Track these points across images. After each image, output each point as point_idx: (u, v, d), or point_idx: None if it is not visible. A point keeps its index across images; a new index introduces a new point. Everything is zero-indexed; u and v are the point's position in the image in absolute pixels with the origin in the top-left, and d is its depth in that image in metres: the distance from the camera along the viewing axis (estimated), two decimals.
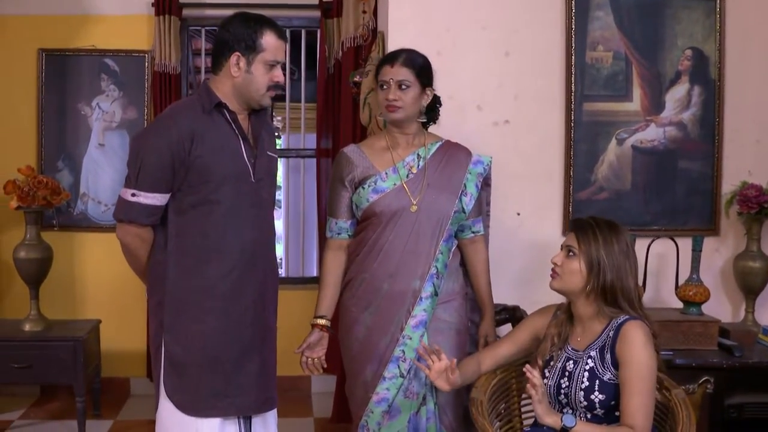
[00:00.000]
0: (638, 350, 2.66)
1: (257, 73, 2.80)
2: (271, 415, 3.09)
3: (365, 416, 3.15)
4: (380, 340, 3.12)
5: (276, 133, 3.47)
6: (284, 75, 2.92)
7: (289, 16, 5.51)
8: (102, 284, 5.34)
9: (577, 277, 2.78)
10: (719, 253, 4.18)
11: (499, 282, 4.01)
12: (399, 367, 3.11)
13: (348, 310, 3.21)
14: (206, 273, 2.82)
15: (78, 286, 5.35)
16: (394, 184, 3.13)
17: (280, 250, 5.94)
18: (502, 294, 3.95)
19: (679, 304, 3.87)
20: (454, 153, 3.25)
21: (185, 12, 5.25)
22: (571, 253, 2.81)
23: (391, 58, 3.16)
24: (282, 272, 6.33)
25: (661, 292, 4.08)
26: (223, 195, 2.79)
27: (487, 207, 3.50)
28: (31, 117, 5.26)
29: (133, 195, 2.75)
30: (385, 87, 3.14)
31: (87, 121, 5.29)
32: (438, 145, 3.25)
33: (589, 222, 2.83)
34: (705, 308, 3.85)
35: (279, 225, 7.20)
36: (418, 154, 3.20)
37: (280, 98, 6.18)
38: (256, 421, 3.01)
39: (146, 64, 5.28)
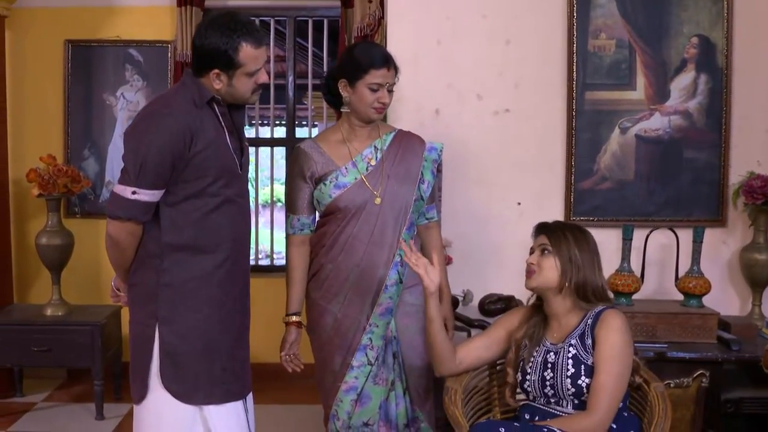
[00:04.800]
0: (613, 332, 2.73)
1: (239, 84, 2.77)
2: (251, 396, 3.12)
3: (335, 405, 3.18)
4: (348, 329, 3.14)
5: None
6: (268, 74, 2.87)
7: (311, 6, 5.56)
8: None
9: (554, 272, 2.82)
10: (726, 245, 4.08)
11: (499, 272, 4.00)
12: (367, 355, 3.13)
13: (315, 303, 3.23)
14: (203, 263, 2.82)
15: (103, 272, 5.43)
16: (355, 179, 3.14)
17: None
18: (502, 284, 3.93)
19: (681, 297, 3.79)
20: (408, 142, 3.26)
21: (207, 3, 5.30)
22: (545, 251, 2.85)
23: (386, 62, 3.12)
24: None
25: (662, 284, 4.01)
26: (219, 188, 2.80)
27: (439, 193, 3.56)
28: (58, 107, 5.39)
29: (134, 193, 2.69)
30: (377, 89, 3.10)
31: (112, 110, 5.41)
32: (392, 135, 3.27)
33: (557, 224, 2.93)
34: (712, 301, 3.76)
35: None
36: (375, 146, 3.20)
37: (304, 87, 6.25)
38: (248, 402, 3.05)
39: (169, 54, 5.36)
